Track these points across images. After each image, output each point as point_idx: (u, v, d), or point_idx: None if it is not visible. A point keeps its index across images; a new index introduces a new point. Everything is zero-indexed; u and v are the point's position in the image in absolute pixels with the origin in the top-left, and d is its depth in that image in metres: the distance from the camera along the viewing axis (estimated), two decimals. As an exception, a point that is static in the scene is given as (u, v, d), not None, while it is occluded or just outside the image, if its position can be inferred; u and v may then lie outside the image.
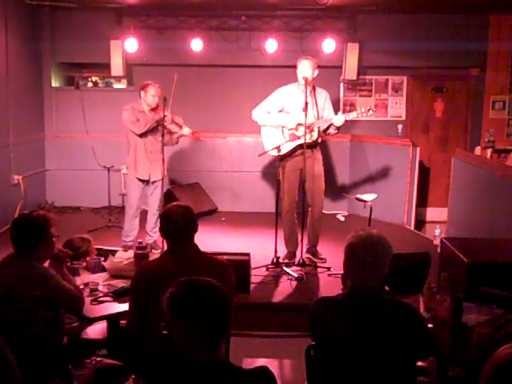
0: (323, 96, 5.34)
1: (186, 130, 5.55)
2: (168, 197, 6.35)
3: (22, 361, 2.16)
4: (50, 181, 7.89)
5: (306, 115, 4.89)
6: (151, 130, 5.51)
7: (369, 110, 5.11)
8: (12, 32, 6.77)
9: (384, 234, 2.36)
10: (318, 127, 5.20)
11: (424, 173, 7.79)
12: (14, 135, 6.81)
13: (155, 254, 5.20)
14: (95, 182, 7.53)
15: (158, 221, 5.67)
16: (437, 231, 6.05)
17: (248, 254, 4.67)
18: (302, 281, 4.88)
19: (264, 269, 5.11)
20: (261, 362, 3.86)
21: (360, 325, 2.22)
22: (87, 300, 3.08)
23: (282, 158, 5.23)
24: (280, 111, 5.28)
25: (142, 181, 5.64)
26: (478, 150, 7.30)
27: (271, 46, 7.35)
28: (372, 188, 6.92)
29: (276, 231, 5.16)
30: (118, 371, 2.72)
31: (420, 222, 7.80)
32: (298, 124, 5.15)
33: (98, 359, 2.87)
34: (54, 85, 7.88)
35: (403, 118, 8.10)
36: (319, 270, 5.23)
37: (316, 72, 5.16)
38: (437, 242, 5.66)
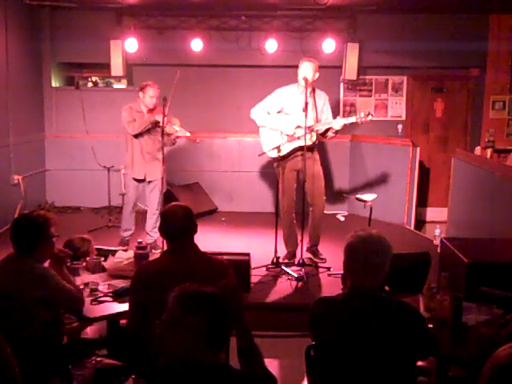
0: (322, 98, 5.33)
1: (183, 132, 5.56)
2: (168, 197, 6.35)
3: (22, 361, 2.16)
4: (50, 181, 7.89)
5: (306, 115, 4.88)
6: (148, 131, 5.54)
7: (368, 114, 5.08)
8: (12, 32, 6.77)
9: (384, 234, 2.36)
10: (317, 130, 5.20)
11: (424, 173, 7.79)
12: (13, 135, 6.81)
13: (155, 254, 5.20)
14: (95, 182, 7.52)
15: (158, 221, 5.71)
16: (437, 231, 6.05)
17: (248, 254, 4.67)
18: (302, 281, 4.88)
19: (264, 269, 5.11)
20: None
21: (360, 325, 2.22)
22: (87, 300, 3.08)
23: (281, 159, 5.23)
24: (279, 112, 5.28)
25: (139, 180, 5.67)
26: (477, 150, 7.30)
27: (271, 45, 7.35)
28: (372, 188, 6.93)
29: (276, 231, 5.16)
30: (117, 371, 2.72)
31: (420, 222, 7.80)
32: (297, 126, 5.15)
33: (98, 359, 2.87)
34: (54, 85, 7.88)
35: (403, 117, 8.10)
36: (319, 270, 5.23)
37: (317, 75, 5.15)
38: (437, 242, 5.66)
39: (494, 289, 3.15)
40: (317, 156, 5.37)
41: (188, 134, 5.59)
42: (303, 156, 5.03)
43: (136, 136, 5.54)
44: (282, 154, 5.13)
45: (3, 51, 6.57)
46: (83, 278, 3.41)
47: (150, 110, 5.55)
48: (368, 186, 7.23)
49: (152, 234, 5.75)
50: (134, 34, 7.31)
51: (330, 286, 4.82)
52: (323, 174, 5.41)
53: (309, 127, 5.01)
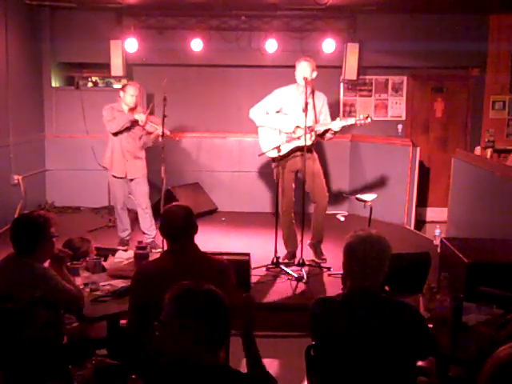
0: (321, 100, 5.32)
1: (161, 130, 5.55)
2: (168, 197, 6.35)
3: (22, 361, 2.16)
4: (50, 181, 7.89)
5: (306, 115, 4.88)
6: (127, 129, 5.57)
7: (367, 117, 5.08)
8: (12, 32, 6.77)
9: (384, 234, 2.36)
10: (316, 131, 5.19)
11: (424, 173, 7.79)
12: (14, 135, 6.81)
13: (155, 254, 5.19)
14: (95, 182, 7.52)
15: (153, 219, 5.72)
16: (437, 231, 6.05)
17: (248, 254, 4.66)
18: (302, 281, 4.88)
19: (264, 269, 5.12)
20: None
21: (360, 325, 2.22)
22: (87, 300, 3.08)
23: (280, 159, 5.23)
24: (278, 112, 5.28)
25: (120, 178, 5.70)
26: (477, 150, 7.30)
27: (271, 45, 7.35)
28: (372, 188, 6.92)
29: (276, 231, 5.15)
30: (117, 371, 2.72)
31: (420, 222, 7.80)
32: (296, 127, 5.15)
33: (98, 359, 2.87)
34: (54, 85, 7.88)
35: (403, 117, 8.10)
36: (319, 269, 5.23)
37: (315, 73, 5.15)
38: (437, 242, 5.66)
39: (494, 289, 3.16)
40: (315, 155, 5.37)
41: (167, 132, 5.56)
42: (302, 156, 5.03)
43: (116, 134, 5.58)
44: (281, 153, 5.14)
45: (3, 51, 6.57)
46: (83, 278, 3.41)
47: (131, 109, 5.57)
48: (368, 186, 7.23)
49: (148, 232, 5.76)
50: (134, 34, 7.31)
51: (330, 286, 4.82)
52: (323, 173, 5.41)
53: (308, 127, 5.01)
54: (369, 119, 5.06)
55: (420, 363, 2.66)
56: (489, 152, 7.39)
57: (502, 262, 3.75)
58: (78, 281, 3.27)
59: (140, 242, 3.79)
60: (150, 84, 7.11)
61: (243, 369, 1.85)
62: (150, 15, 7.57)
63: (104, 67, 7.76)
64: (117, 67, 7.48)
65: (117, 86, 8.65)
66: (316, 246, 5.44)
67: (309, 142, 5.09)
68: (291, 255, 5.36)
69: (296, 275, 4.94)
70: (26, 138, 7.28)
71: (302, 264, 5.02)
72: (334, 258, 5.29)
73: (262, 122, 5.31)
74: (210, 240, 5.59)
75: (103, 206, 7.47)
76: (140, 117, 5.49)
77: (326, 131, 5.22)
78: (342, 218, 7.50)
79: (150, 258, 3.52)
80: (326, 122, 5.23)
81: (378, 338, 2.20)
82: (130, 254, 3.78)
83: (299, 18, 7.59)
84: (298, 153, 5.17)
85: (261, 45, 7.49)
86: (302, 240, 5.10)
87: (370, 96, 8.03)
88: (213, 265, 2.75)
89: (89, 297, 3.15)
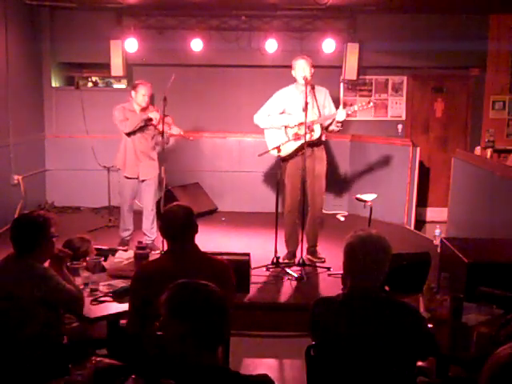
0: (323, 93, 5.33)
1: (176, 130, 5.55)
2: (168, 197, 6.35)
3: (22, 361, 2.16)
4: (50, 181, 7.89)
5: (306, 115, 4.89)
6: (140, 130, 5.53)
7: (369, 102, 5.14)
8: (12, 32, 6.77)
9: (384, 234, 2.36)
10: (320, 125, 5.19)
11: (424, 173, 7.79)
12: (14, 135, 6.81)
13: (153, 255, 5.19)
14: (95, 182, 7.52)
15: (155, 221, 5.71)
16: (437, 231, 6.05)
17: (248, 254, 4.67)
18: (302, 281, 4.88)
19: (264, 269, 5.11)
20: (261, 362, 3.86)
21: (360, 325, 2.22)
22: (87, 300, 3.08)
23: (285, 159, 5.24)
24: (281, 113, 5.29)
25: (132, 179, 5.66)
26: (477, 150, 7.30)
27: (271, 45, 7.35)
28: (372, 188, 6.91)
29: (276, 231, 5.15)
30: (118, 371, 2.72)
31: (420, 222, 7.80)
32: (300, 124, 5.14)
33: (98, 359, 2.87)
34: (54, 85, 7.88)
35: (403, 118, 8.10)
36: (319, 270, 5.23)
37: (312, 70, 5.16)
38: (437, 242, 5.66)
39: (494, 289, 3.15)
40: (321, 154, 5.35)
41: (181, 132, 5.57)
42: (310, 155, 5.04)
43: (129, 135, 5.54)
44: (283, 153, 5.15)
45: (3, 51, 6.57)
46: (83, 278, 3.41)
47: (143, 109, 5.56)
48: (368, 186, 7.22)
49: (149, 234, 5.73)
50: (134, 34, 7.31)
51: (330, 286, 4.82)
52: (327, 173, 5.40)
53: (309, 126, 5.01)
54: (371, 104, 5.16)
55: (420, 363, 2.66)
56: (489, 152, 7.38)
57: (502, 262, 3.74)
58: (78, 281, 3.27)
59: (140, 242, 3.79)
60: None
61: (243, 369, 1.85)
62: (150, 15, 7.57)
63: (104, 67, 7.76)
64: (117, 67, 7.48)
65: (117, 86, 8.66)
66: (312, 251, 5.44)
67: (317, 135, 5.09)
68: (291, 255, 5.37)
69: (296, 275, 4.94)
70: (26, 138, 7.28)
71: (302, 264, 5.02)
72: (333, 258, 5.29)
73: (267, 124, 5.32)
74: (210, 240, 5.59)
75: (103, 205, 7.47)
76: (154, 114, 5.44)
77: (331, 123, 5.22)
78: (342, 218, 7.50)
79: (150, 259, 3.52)
80: (330, 114, 5.21)
81: (378, 338, 2.20)
82: (130, 253, 3.78)
83: (299, 17, 7.59)
84: (303, 151, 5.15)
85: (261, 45, 7.49)
86: (301, 240, 5.11)
87: (370, 96, 8.02)
88: (213, 265, 2.75)
89: (89, 297, 3.15)
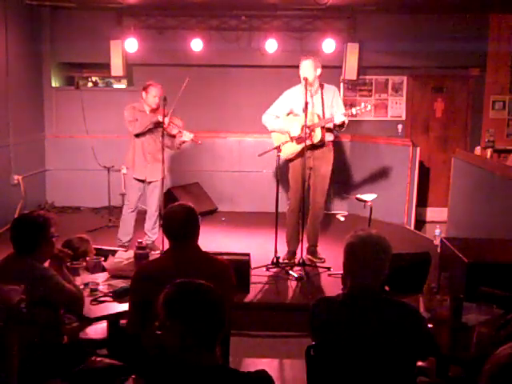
0: (331, 92, 5.29)
1: (187, 136, 5.50)
2: (168, 197, 6.35)
3: (21, 361, 2.16)
4: (50, 181, 7.89)
5: (305, 115, 4.89)
6: (149, 131, 5.50)
7: (366, 106, 5.11)
8: (12, 32, 6.76)
9: (384, 234, 2.36)
10: (323, 128, 5.17)
11: (424, 173, 7.79)
12: (14, 135, 6.81)
13: (154, 255, 5.19)
14: (95, 182, 7.52)
15: (157, 222, 5.70)
16: (437, 231, 6.05)
17: (248, 254, 4.67)
18: (302, 281, 4.88)
19: (264, 269, 5.11)
20: (261, 361, 3.86)
21: (360, 325, 2.22)
22: (87, 300, 3.08)
23: (291, 159, 5.25)
24: (289, 113, 5.29)
25: (140, 181, 5.63)
26: (477, 150, 7.30)
27: (271, 45, 7.35)
28: (372, 188, 6.92)
29: (276, 231, 5.15)
30: (118, 371, 2.72)
31: (420, 222, 7.80)
32: (303, 126, 5.14)
33: (98, 359, 2.87)
34: (54, 85, 7.88)
35: (403, 118, 8.10)
36: (319, 269, 5.23)
37: (319, 71, 5.15)
38: (437, 242, 5.66)
39: (494, 289, 3.15)
40: (330, 156, 5.34)
41: (192, 136, 5.54)
42: (312, 155, 5.04)
43: (138, 136, 5.51)
44: (284, 154, 5.16)
45: (3, 51, 6.57)
46: (83, 278, 3.41)
47: (153, 110, 5.53)
48: (368, 186, 7.23)
49: (150, 234, 5.72)
50: (134, 34, 7.31)
51: (330, 286, 4.82)
52: (332, 174, 5.40)
53: (309, 127, 5.01)
54: (369, 107, 5.11)
55: (420, 363, 2.66)
56: (489, 152, 7.39)
57: (502, 262, 3.75)
58: (78, 281, 3.27)
59: (140, 242, 3.79)
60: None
61: (243, 369, 1.85)
62: (150, 15, 7.57)
63: (104, 67, 7.76)
64: (117, 67, 7.47)
65: (117, 86, 8.66)
66: (312, 250, 5.45)
67: (317, 138, 5.10)
68: (292, 254, 5.37)
69: (296, 275, 4.94)
70: (26, 138, 7.28)
71: (302, 264, 5.02)
72: (333, 258, 5.29)
73: (273, 127, 5.33)
74: (210, 240, 5.58)
75: (103, 206, 7.47)
76: (163, 119, 5.41)
77: (335, 126, 5.20)
78: (342, 218, 7.50)
79: (149, 259, 3.52)
80: (328, 118, 5.18)
81: (378, 338, 2.20)
82: (130, 253, 3.77)
83: (299, 18, 7.59)
84: (309, 152, 5.14)
85: (261, 45, 7.49)
86: (302, 239, 5.11)
87: (370, 96, 8.03)
88: (214, 265, 2.75)
89: (89, 297, 3.15)
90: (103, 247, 4.22)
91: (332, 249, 5.58)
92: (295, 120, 5.21)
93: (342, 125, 5.15)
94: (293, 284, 4.86)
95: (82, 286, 3.20)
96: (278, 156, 5.10)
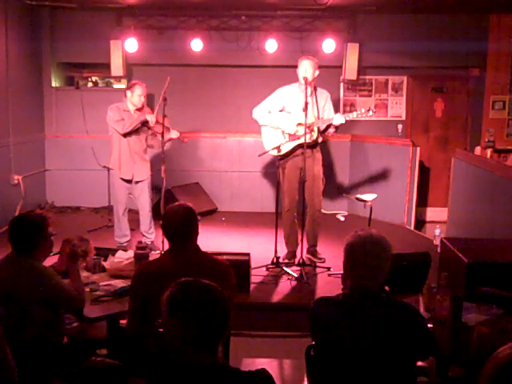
0: (324, 97, 5.34)
1: (174, 134, 5.49)
2: (168, 197, 6.34)
3: (22, 361, 2.16)
4: (50, 181, 7.89)
5: (305, 115, 4.89)
6: (135, 130, 5.49)
7: (368, 110, 5.12)
8: (12, 32, 6.77)
9: (384, 234, 2.36)
10: (318, 127, 5.20)
11: (424, 173, 7.79)
12: (14, 135, 6.81)
13: (154, 255, 5.19)
14: (95, 182, 7.52)
15: (152, 222, 5.69)
16: (437, 231, 6.05)
17: (248, 254, 4.67)
18: (302, 281, 4.88)
19: (264, 269, 5.11)
20: (261, 361, 3.86)
21: (360, 325, 2.22)
22: (87, 300, 3.08)
23: (282, 158, 5.23)
24: (281, 111, 5.29)
25: (126, 181, 5.61)
26: (478, 150, 7.29)
27: (271, 46, 7.35)
28: (372, 188, 6.92)
29: (276, 231, 5.15)
30: (117, 371, 2.72)
31: (420, 222, 7.80)
32: (298, 124, 5.15)
33: (98, 359, 2.87)
34: (54, 85, 7.88)
35: (403, 118, 8.10)
36: (319, 269, 5.23)
37: (317, 72, 5.17)
38: (437, 242, 5.66)
39: (493, 289, 3.16)
40: (319, 156, 5.36)
41: (178, 134, 5.52)
42: (310, 155, 5.04)
43: (124, 135, 5.49)
44: (282, 152, 5.14)
45: (3, 51, 6.57)
46: (83, 278, 3.41)
47: (138, 109, 5.52)
48: (368, 186, 7.23)
49: (148, 235, 5.70)
50: (134, 34, 7.32)
51: (330, 286, 4.82)
52: (324, 174, 5.41)
53: (309, 126, 5.02)
54: (370, 112, 5.12)
55: (420, 363, 2.66)
56: (489, 152, 7.38)
57: (502, 261, 3.75)
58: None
59: (140, 242, 3.79)
60: (149, 84, 7.06)
61: (243, 369, 1.85)
62: (150, 15, 7.57)
63: (104, 67, 7.76)
64: (117, 67, 7.48)
65: (117, 85, 8.65)
66: (312, 251, 5.44)
67: (315, 136, 5.10)
68: (291, 255, 5.37)
69: (296, 275, 4.94)
70: (26, 137, 7.28)
71: (302, 264, 5.02)
72: (333, 257, 5.29)
73: (265, 122, 5.32)
74: (210, 240, 5.58)
75: (103, 206, 7.47)
76: (150, 117, 5.40)
77: (328, 126, 5.23)
78: (342, 218, 7.50)
79: (150, 259, 3.52)
80: (327, 118, 5.23)
81: (378, 337, 2.20)
82: (130, 253, 3.78)
83: (299, 18, 7.59)
84: (300, 151, 5.14)
85: (261, 45, 7.49)
86: (302, 239, 5.11)
87: (370, 96, 8.03)
88: (214, 265, 2.75)
89: (89, 297, 3.15)
90: (103, 247, 4.21)
91: (332, 249, 5.58)
92: (289, 117, 5.22)
93: (337, 126, 5.19)
94: (293, 284, 4.86)
95: (81, 286, 3.20)
96: (278, 155, 5.10)
